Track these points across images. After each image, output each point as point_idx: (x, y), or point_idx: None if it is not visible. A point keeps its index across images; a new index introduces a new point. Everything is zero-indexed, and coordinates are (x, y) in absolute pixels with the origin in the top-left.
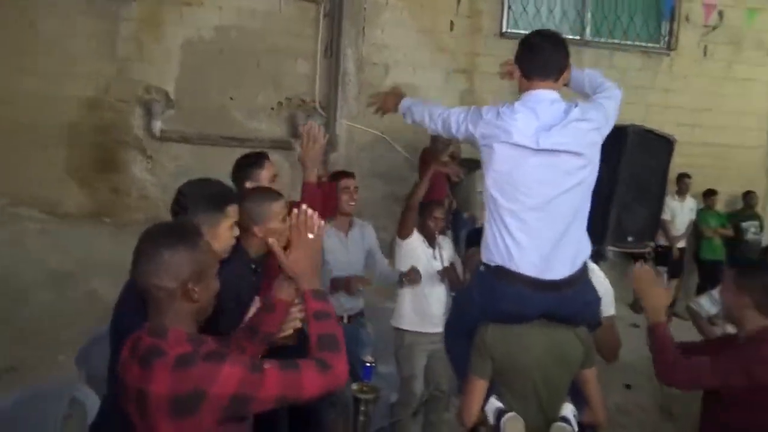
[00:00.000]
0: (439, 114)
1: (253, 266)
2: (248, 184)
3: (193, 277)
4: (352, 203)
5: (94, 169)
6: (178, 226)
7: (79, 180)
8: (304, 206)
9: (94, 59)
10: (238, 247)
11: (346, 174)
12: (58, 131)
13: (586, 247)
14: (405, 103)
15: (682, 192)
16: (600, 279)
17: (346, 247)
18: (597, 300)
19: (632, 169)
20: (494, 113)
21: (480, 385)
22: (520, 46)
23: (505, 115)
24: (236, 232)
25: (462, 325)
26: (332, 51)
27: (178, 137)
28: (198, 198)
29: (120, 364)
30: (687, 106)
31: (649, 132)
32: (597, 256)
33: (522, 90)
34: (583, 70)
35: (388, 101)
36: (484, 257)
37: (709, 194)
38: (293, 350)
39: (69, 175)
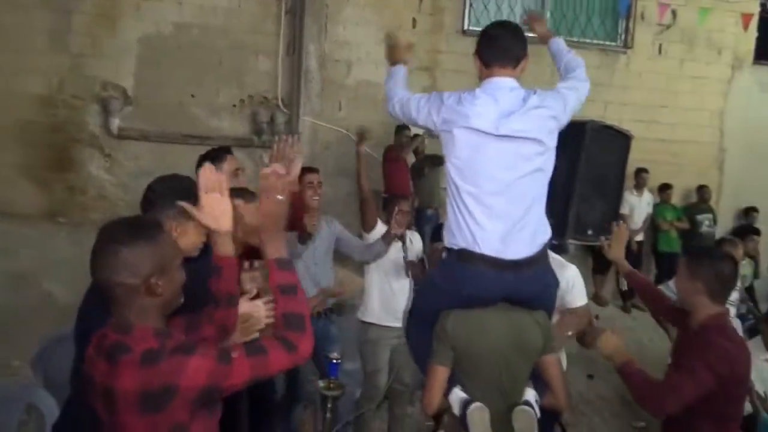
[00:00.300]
0: (400, 98)
1: None
2: None
3: (156, 271)
4: (316, 198)
5: (48, 168)
6: (136, 221)
7: (33, 179)
8: (276, 165)
9: (46, 55)
10: (209, 247)
11: (309, 169)
12: (10, 129)
13: (545, 229)
14: (396, 68)
15: (639, 186)
16: (573, 273)
17: (305, 262)
18: (556, 284)
19: (591, 164)
20: (456, 98)
21: (442, 373)
22: (480, 36)
23: (467, 101)
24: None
25: (423, 314)
26: (294, 48)
27: (137, 135)
28: (168, 194)
29: (86, 362)
30: (643, 103)
31: (608, 128)
32: (559, 249)
33: (482, 78)
34: (570, 51)
35: (394, 53)
36: (447, 241)
37: (665, 188)
38: None
39: (23, 174)
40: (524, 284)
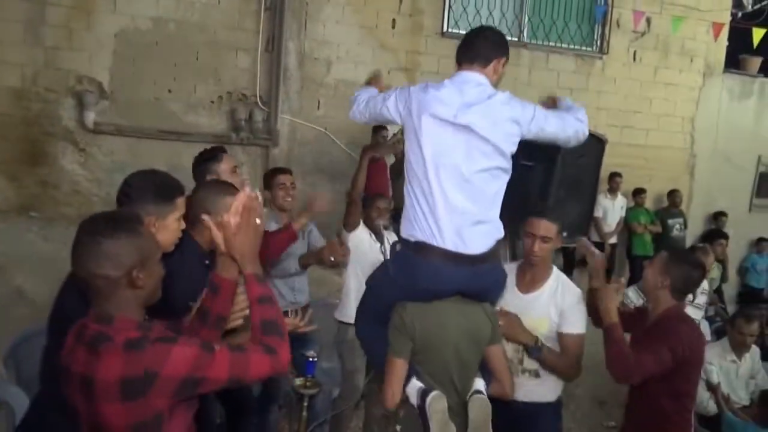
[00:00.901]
0: (366, 97)
1: (207, 261)
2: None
3: (137, 264)
4: (289, 199)
5: (21, 161)
6: (117, 215)
7: (5, 173)
8: (249, 189)
9: (20, 47)
10: (190, 242)
11: (281, 170)
12: None
13: (499, 226)
14: (368, 87)
15: (613, 190)
16: (574, 299)
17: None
18: (504, 279)
19: (567, 168)
20: (422, 87)
21: (401, 365)
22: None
23: (432, 88)
24: (182, 224)
25: (375, 308)
26: (273, 45)
27: (113, 130)
28: (145, 189)
29: (64, 353)
30: (618, 108)
31: None
32: None
33: None
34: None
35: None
36: (405, 232)
37: (638, 192)
38: None
39: None
40: (479, 278)
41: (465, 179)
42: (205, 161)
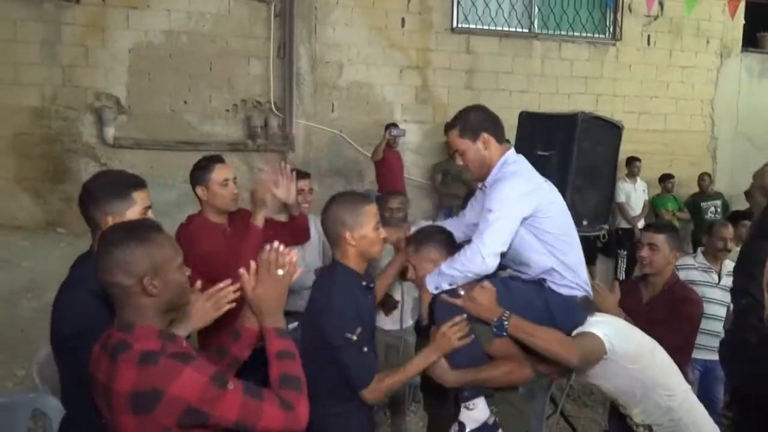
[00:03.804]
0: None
1: (364, 283)
2: (199, 190)
3: (149, 271)
4: (306, 204)
5: (45, 179)
6: (131, 224)
7: (30, 191)
8: (276, 242)
9: (38, 66)
10: (342, 270)
11: (299, 174)
12: (4, 142)
13: None
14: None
15: (633, 175)
16: None
17: (303, 249)
18: None
19: (583, 156)
20: (533, 186)
21: None
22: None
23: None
24: (150, 216)
25: None
26: (285, 51)
27: (132, 143)
28: (99, 190)
29: (92, 360)
30: (634, 94)
31: (598, 119)
32: None
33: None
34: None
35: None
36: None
37: (665, 179)
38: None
39: (19, 186)
40: None
41: None
42: (197, 170)
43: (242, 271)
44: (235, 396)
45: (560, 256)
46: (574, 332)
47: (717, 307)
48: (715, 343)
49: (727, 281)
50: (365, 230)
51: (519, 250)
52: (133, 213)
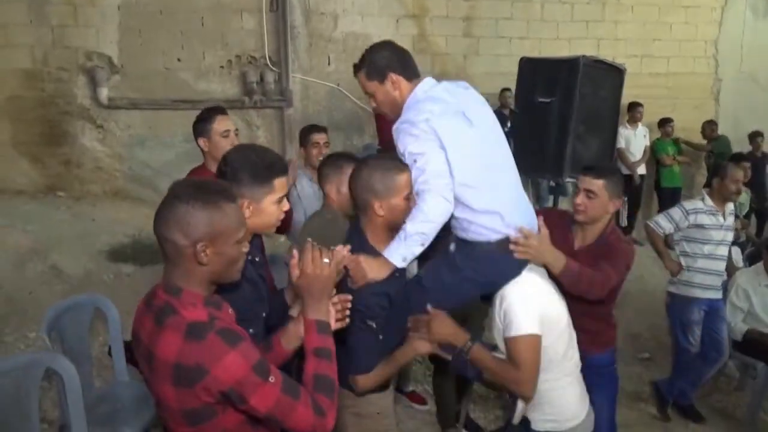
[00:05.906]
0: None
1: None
2: (201, 141)
3: (205, 238)
4: (321, 158)
5: (42, 143)
6: (206, 183)
7: (28, 156)
8: (340, 247)
9: (27, 27)
10: (358, 236)
11: (316, 128)
12: None
13: None
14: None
15: (634, 120)
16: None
17: (317, 196)
18: None
19: (585, 101)
20: (428, 111)
21: None
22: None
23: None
24: (285, 206)
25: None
26: (278, 4)
27: (127, 104)
28: (241, 168)
29: (135, 317)
30: (636, 37)
31: (600, 62)
32: (557, 190)
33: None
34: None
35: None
36: None
37: (665, 122)
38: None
39: (16, 151)
40: None
41: None
42: (198, 121)
43: (293, 254)
44: (273, 390)
45: (465, 203)
46: (513, 333)
47: (722, 247)
48: (719, 282)
49: (730, 221)
50: (397, 200)
51: None
52: (269, 201)
